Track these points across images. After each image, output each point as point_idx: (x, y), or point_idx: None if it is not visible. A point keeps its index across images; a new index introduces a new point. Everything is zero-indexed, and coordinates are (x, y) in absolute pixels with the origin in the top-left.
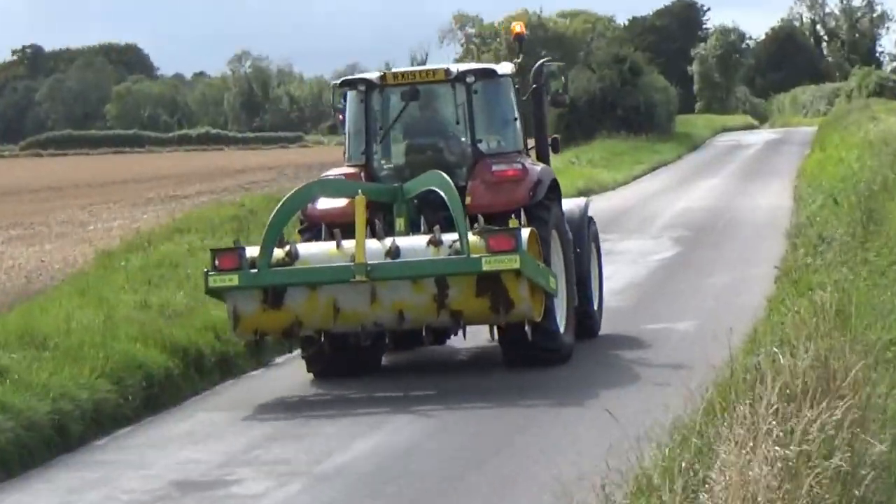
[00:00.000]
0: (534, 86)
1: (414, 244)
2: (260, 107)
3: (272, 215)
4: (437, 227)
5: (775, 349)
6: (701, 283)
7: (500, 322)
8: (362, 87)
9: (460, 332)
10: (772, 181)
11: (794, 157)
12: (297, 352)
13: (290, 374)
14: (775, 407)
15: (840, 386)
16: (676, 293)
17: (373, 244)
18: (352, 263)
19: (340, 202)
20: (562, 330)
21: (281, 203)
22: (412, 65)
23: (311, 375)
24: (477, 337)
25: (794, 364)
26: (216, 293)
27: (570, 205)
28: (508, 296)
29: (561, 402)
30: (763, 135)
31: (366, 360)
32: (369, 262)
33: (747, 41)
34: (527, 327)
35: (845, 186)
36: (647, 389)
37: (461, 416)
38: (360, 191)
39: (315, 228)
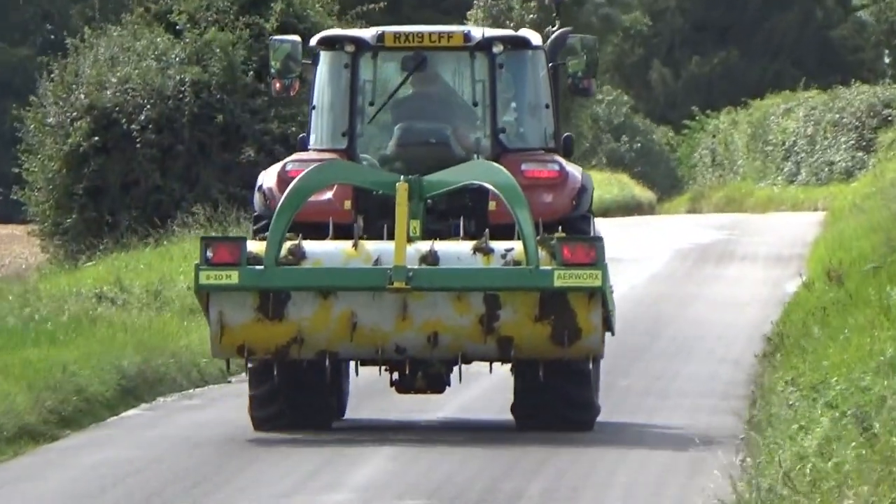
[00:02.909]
0: (549, 64)
1: (456, 250)
2: None
3: (283, 199)
4: (487, 232)
5: None
6: None
7: (562, 356)
8: (350, 48)
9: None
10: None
11: (749, 311)
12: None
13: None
14: None
15: None
16: None
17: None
18: (388, 267)
19: (325, 194)
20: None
21: (293, 185)
22: None
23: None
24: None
25: None
26: (204, 294)
27: None
28: (577, 323)
29: None
30: (663, 237)
31: (331, 405)
32: (410, 267)
33: None
34: (590, 365)
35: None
36: None
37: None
38: (401, 178)
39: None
